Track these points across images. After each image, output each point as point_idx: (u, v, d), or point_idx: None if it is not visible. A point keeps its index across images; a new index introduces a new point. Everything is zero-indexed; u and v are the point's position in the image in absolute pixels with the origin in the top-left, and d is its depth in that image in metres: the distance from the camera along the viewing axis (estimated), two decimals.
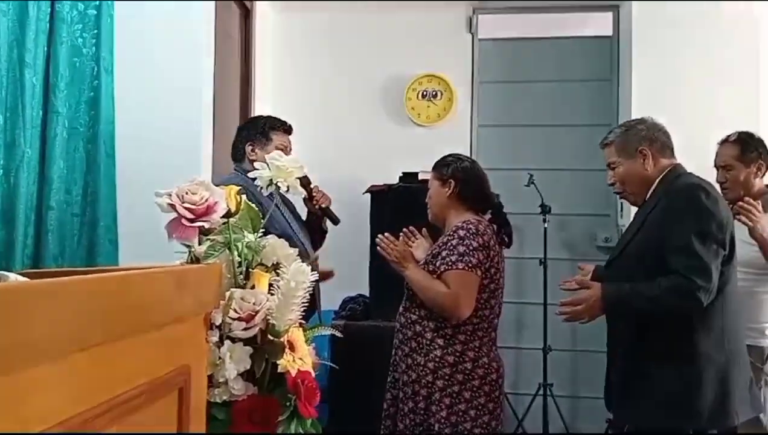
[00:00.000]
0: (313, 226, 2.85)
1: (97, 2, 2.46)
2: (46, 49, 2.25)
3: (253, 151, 2.65)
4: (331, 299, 3.47)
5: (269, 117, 2.76)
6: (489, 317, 2.42)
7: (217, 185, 1.27)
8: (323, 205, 2.74)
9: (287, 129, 2.74)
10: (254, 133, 2.69)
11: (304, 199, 2.78)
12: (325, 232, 2.88)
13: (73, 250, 2.38)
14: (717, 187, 2.72)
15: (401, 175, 3.66)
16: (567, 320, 2.27)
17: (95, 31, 2.45)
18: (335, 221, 2.79)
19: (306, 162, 1.53)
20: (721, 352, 2.11)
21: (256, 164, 1.50)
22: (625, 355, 2.25)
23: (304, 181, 2.68)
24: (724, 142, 2.85)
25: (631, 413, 2.24)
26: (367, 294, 3.63)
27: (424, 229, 2.64)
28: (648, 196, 2.28)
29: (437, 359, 2.35)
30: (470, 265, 2.32)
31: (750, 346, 2.66)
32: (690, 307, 2.06)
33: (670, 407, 2.10)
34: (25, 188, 2.14)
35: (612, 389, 2.34)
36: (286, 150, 2.61)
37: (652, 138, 2.29)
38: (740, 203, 2.62)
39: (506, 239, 2.52)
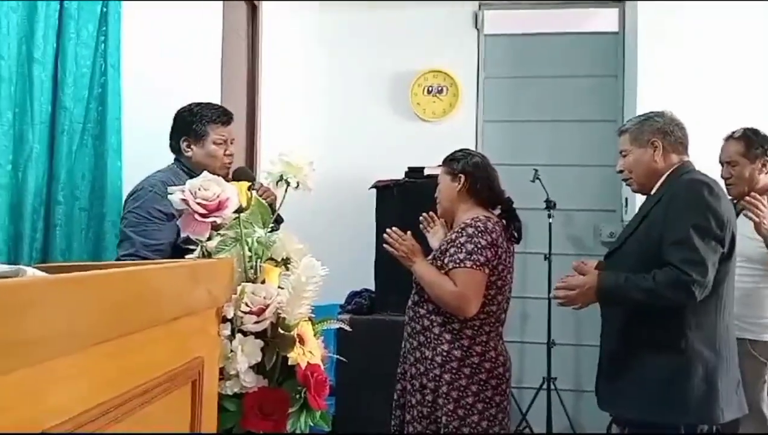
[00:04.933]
0: None
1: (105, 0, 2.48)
2: (55, 45, 2.27)
3: (188, 147, 2.40)
4: (336, 293, 3.49)
5: (206, 107, 2.45)
6: (496, 313, 2.43)
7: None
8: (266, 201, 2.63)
9: (226, 120, 2.45)
10: (188, 127, 2.41)
11: None
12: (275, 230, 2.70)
13: (80, 245, 2.40)
14: (722, 182, 2.73)
15: (407, 170, 3.67)
16: (561, 305, 2.26)
17: (104, 28, 2.45)
18: (278, 220, 2.68)
19: (312, 157, 1.54)
20: (712, 350, 2.10)
21: (267, 160, 1.51)
22: (615, 342, 2.26)
23: (249, 179, 2.59)
24: (729, 138, 2.86)
25: (615, 399, 2.25)
26: (373, 288, 3.65)
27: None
28: (654, 190, 2.28)
29: (445, 353, 2.37)
30: (478, 263, 2.33)
31: (755, 341, 2.69)
32: (684, 300, 2.05)
33: (654, 396, 2.11)
34: (33, 183, 2.16)
35: (600, 378, 2.34)
36: (225, 143, 2.42)
37: (666, 131, 2.29)
38: (747, 198, 2.61)
39: (515, 235, 2.53)
